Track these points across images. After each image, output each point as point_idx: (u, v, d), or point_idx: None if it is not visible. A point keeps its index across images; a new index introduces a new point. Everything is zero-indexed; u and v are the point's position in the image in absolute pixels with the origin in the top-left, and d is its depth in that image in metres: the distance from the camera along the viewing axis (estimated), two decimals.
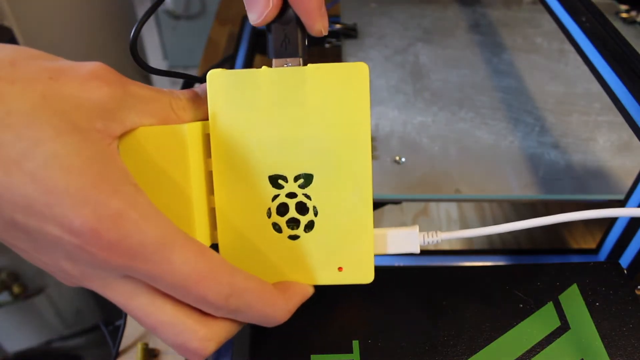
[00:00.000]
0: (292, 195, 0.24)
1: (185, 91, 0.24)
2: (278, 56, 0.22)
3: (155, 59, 1.77)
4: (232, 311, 0.21)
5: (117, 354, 0.39)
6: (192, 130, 0.22)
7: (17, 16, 0.67)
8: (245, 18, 0.70)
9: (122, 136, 0.21)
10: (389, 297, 0.28)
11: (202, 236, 0.24)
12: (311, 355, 0.25)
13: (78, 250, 0.18)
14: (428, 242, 0.26)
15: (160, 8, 1.18)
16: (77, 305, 0.92)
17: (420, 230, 0.26)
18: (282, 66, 0.22)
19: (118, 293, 0.20)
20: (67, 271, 0.19)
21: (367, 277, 0.25)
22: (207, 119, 0.23)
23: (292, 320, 0.27)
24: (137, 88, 0.21)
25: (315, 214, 0.24)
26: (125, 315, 0.41)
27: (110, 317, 0.45)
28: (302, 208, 0.24)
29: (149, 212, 0.19)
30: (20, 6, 0.67)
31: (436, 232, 0.25)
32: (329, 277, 0.25)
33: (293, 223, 0.24)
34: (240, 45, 0.63)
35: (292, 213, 0.24)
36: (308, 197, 0.24)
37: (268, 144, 0.23)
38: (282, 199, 0.24)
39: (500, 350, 0.26)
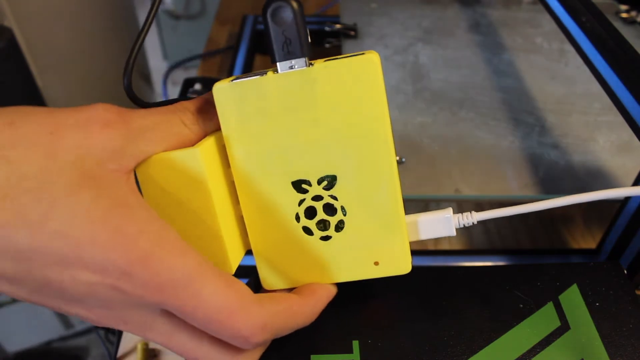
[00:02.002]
0: (318, 197, 0.23)
1: (195, 101, 0.23)
2: (281, 59, 0.21)
3: (155, 59, 1.77)
4: (266, 339, 0.21)
5: (117, 354, 0.39)
6: (205, 151, 0.22)
7: (17, 16, 0.67)
8: (245, 18, 0.70)
9: (137, 166, 0.21)
10: (389, 297, 0.28)
11: (234, 246, 0.24)
12: (311, 356, 0.26)
13: (113, 293, 0.18)
14: (463, 224, 0.25)
15: (161, 8, 1.17)
16: None
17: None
18: (288, 69, 0.21)
19: (158, 333, 0.21)
20: (103, 317, 0.20)
21: (404, 267, 0.25)
22: (219, 127, 0.23)
23: None
24: (142, 119, 0.21)
25: (344, 214, 0.24)
26: None
27: None
28: (330, 209, 0.24)
29: (176, 249, 0.19)
30: (20, 6, 0.67)
31: (471, 213, 0.25)
32: (366, 272, 0.25)
33: (323, 224, 0.24)
34: (240, 45, 0.63)
35: (321, 215, 0.24)
36: (334, 197, 0.23)
37: (286, 150, 0.22)
38: (309, 202, 0.23)
39: (500, 350, 0.26)
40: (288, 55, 0.21)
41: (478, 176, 0.44)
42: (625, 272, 0.29)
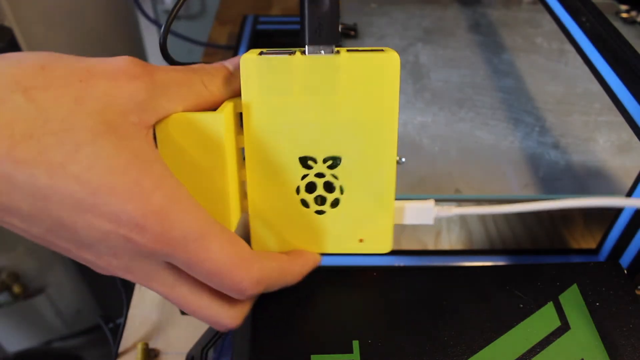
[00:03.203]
0: (320, 175, 0.25)
1: (217, 66, 0.24)
2: (312, 43, 0.22)
3: (155, 59, 1.77)
4: (259, 292, 0.23)
5: (117, 354, 0.39)
6: (226, 117, 0.23)
7: (17, 16, 0.67)
8: (245, 18, 0.70)
9: (157, 123, 0.22)
10: (389, 297, 0.28)
11: (235, 207, 0.26)
12: (311, 355, 0.25)
13: (124, 243, 0.19)
14: (442, 216, 0.27)
15: (161, 8, 1.17)
16: (77, 305, 0.92)
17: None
18: (316, 53, 0.22)
19: (161, 283, 0.22)
20: (109, 265, 0.21)
21: (386, 247, 0.27)
22: (239, 93, 0.24)
23: (292, 320, 0.27)
24: (165, 74, 0.22)
25: (342, 192, 0.26)
26: (126, 315, 0.41)
27: (111, 317, 0.45)
28: (329, 187, 0.26)
29: (189, 206, 0.20)
30: (20, 6, 0.67)
31: (450, 207, 0.27)
32: (350, 247, 0.27)
33: (320, 200, 0.26)
34: (240, 45, 0.63)
35: (320, 191, 0.26)
36: (335, 177, 0.25)
37: (300, 126, 0.24)
38: (311, 178, 0.25)
39: (500, 350, 0.26)
40: (319, 40, 0.22)
41: (478, 176, 0.44)
42: (625, 272, 0.29)
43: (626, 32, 0.58)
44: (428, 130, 0.49)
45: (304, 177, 0.25)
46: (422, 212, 0.27)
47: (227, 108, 0.23)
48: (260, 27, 0.69)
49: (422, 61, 0.58)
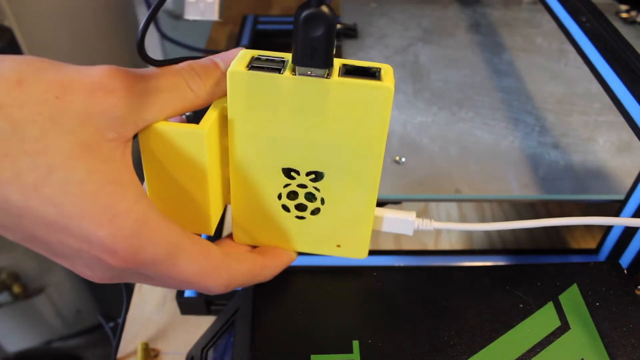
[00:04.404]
0: (302, 186, 0.25)
1: (206, 64, 0.23)
2: (302, 64, 0.21)
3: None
4: (230, 290, 0.24)
5: (117, 354, 0.39)
6: (209, 131, 0.22)
7: (17, 16, 0.67)
8: (245, 18, 0.70)
9: (140, 132, 0.22)
10: (389, 297, 0.28)
11: (217, 207, 0.26)
12: (311, 355, 0.25)
13: (96, 261, 0.20)
14: (422, 229, 0.28)
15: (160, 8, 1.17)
16: (77, 305, 0.92)
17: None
18: (306, 75, 0.21)
19: (137, 282, 0.23)
20: (83, 273, 0.21)
21: (362, 254, 0.28)
22: (225, 94, 0.23)
23: (293, 320, 0.27)
24: (147, 83, 0.21)
25: (322, 203, 0.26)
26: (125, 315, 0.41)
27: (111, 316, 0.45)
28: (310, 196, 0.26)
29: (160, 228, 0.20)
30: (20, 6, 0.67)
31: (430, 220, 0.28)
32: (327, 250, 0.28)
33: (301, 207, 0.26)
34: (240, 46, 0.63)
35: (301, 200, 0.26)
36: (317, 189, 0.25)
37: (285, 142, 0.23)
38: (293, 187, 0.25)
39: (500, 350, 0.26)
40: (310, 63, 0.21)
41: (478, 176, 0.44)
42: (625, 272, 0.29)
43: (626, 32, 0.58)
44: (428, 130, 0.49)
45: (286, 185, 0.25)
46: (402, 223, 0.28)
47: (211, 119, 0.23)
48: (260, 27, 0.69)
49: (422, 61, 0.58)
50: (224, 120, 0.24)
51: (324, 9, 0.19)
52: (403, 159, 0.45)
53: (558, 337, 0.26)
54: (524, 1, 0.71)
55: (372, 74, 0.22)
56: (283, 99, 0.22)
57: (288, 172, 0.25)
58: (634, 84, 0.32)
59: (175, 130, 0.22)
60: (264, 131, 0.23)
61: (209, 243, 0.23)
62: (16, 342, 0.90)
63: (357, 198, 0.25)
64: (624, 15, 0.64)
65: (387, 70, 0.22)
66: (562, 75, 0.57)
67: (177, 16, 0.88)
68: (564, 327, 0.26)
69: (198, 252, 0.22)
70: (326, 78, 0.21)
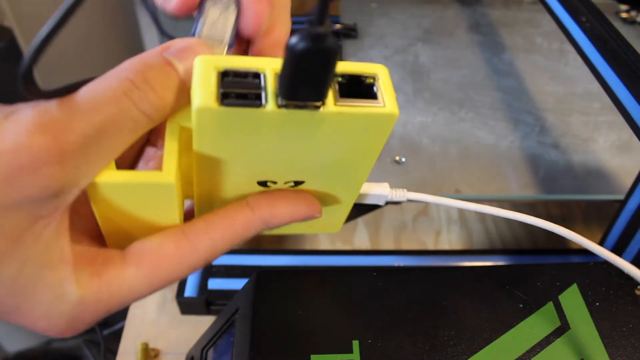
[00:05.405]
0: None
1: (158, 68, 0.17)
2: (291, 98, 0.16)
3: None
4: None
5: (117, 354, 0.39)
6: (177, 175, 0.19)
7: (17, 16, 0.67)
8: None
9: (86, 187, 0.17)
10: (389, 297, 0.28)
11: (180, 211, 0.22)
12: (311, 356, 0.25)
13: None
14: (395, 199, 0.28)
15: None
16: None
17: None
18: (294, 108, 0.17)
19: None
20: None
21: (336, 229, 0.27)
22: (182, 106, 0.19)
23: (293, 320, 0.27)
24: (83, 126, 0.15)
25: None
26: (125, 315, 0.41)
27: (110, 319, 0.45)
28: None
29: (99, 298, 0.18)
30: (20, 6, 0.67)
31: (403, 190, 0.28)
32: (301, 229, 0.26)
33: None
34: None
35: None
36: (295, 185, 0.22)
37: (263, 163, 0.20)
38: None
39: (500, 350, 0.26)
40: (301, 97, 0.16)
41: (478, 176, 0.44)
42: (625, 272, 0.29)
43: (626, 32, 0.58)
44: (428, 130, 0.49)
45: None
46: (377, 196, 0.28)
47: (174, 158, 0.19)
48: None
49: (422, 61, 0.58)
50: (183, 140, 0.19)
51: (327, 39, 0.15)
52: (403, 159, 0.45)
53: (558, 337, 0.26)
54: (524, 1, 0.71)
55: (368, 88, 0.18)
56: (264, 130, 0.18)
57: (264, 183, 0.21)
58: (634, 84, 0.32)
59: (134, 182, 0.18)
60: (238, 156, 0.19)
61: (162, 243, 0.19)
62: (16, 342, 0.90)
63: (339, 198, 0.24)
64: (624, 15, 0.64)
65: (385, 81, 0.18)
66: (562, 75, 0.57)
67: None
68: (564, 327, 0.26)
69: (149, 274, 0.19)
70: (319, 108, 0.17)
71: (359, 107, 0.17)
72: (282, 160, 0.20)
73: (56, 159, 0.15)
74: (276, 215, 0.21)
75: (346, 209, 0.25)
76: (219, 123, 0.17)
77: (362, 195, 0.27)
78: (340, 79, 0.18)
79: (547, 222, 0.26)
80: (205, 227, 0.20)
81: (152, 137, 0.22)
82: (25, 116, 0.15)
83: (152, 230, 0.20)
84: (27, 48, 0.67)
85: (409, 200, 0.28)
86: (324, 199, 0.23)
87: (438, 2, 0.70)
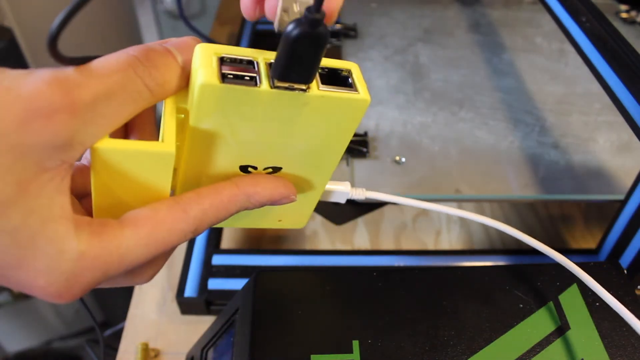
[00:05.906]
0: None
1: (162, 55, 0.20)
2: (283, 79, 0.19)
3: None
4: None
5: (117, 354, 0.39)
6: (174, 146, 0.21)
7: (17, 16, 0.67)
8: (245, 18, 0.70)
9: (90, 148, 0.19)
10: (389, 297, 0.28)
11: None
12: (311, 356, 0.26)
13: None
14: (355, 198, 0.29)
15: (161, 8, 1.17)
16: (77, 305, 0.92)
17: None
18: (285, 88, 0.20)
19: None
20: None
21: (301, 224, 0.29)
22: (180, 89, 0.21)
23: (292, 320, 0.27)
24: (92, 89, 0.17)
25: None
26: (125, 315, 0.41)
27: (110, 319, 0.45)
28: None
29: (97, 257, 0.19)
30: (20, 6, 0.67)
31: (363, 190, 0.29)
32: (268, 224, 0.28)
33: None
34: (239, 46, 0.63)
35: None
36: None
37: (249, 145, 0.23)
38: None
39: (500, 350, 0.26)
40: (293, 78, 0.20)
41: (478, 176, 0.44)
42: (625, 272, 0.29)
43: (626, 32, 0.58)
44: (428, 130, 0.49)
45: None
46: (337, 194, 0.29)
47: (173, 131, 0.21)
48: (260, 27, 0.69)
49: (422, 61, 0.58)
50: (179, 123, 0.22)
51: (320, 28, 0.18)
52: (403, 159, 0.45)
53: (558, 337, 0.26)
54: (524, 1, 0.71)
55: (344, 79, 0.21)
56: (256, 109, 0.21)
57: (245, 168, 0.24)
58: (634, 84, 0.32)
59: (137, 150, 0.20)
60: (228, 137, 0.22)
61: (154, 212, 0.20)
62: (16, 342, 0.90)
63: (311, 184, 0.26)
64: (624, 15, 0.64)
65: (357, 75, 0.22)
66: (562, 75, 0.57)
67: (177, 16, 0.88)
68: (564, 327, 0.26)
69: (145, 236, 0.20)
70: (305, 91, 0.20)
71: (339, 92, 0.21)
72: (267, 144, 0.23)
73: (69, 109, 0.17)
74: (258, 192, 0.23)
75: (313, 202, 0.27)
76: (218, 100, 0.20)
77: (326, 193, 0.28)
78: (321, 70, 0.21)
79: (498, 222, 0.28)
80: (196, 197, 0.21)
81: (130, 130, 0.23)
82: (44, 72, 0.17)
83: (143, 203, 0.21)
84: (27, 48, 0.67)
85: (367, 199, 0.29)
86: (298, 185, 0.26)
87: (438, 2, 0.70)
